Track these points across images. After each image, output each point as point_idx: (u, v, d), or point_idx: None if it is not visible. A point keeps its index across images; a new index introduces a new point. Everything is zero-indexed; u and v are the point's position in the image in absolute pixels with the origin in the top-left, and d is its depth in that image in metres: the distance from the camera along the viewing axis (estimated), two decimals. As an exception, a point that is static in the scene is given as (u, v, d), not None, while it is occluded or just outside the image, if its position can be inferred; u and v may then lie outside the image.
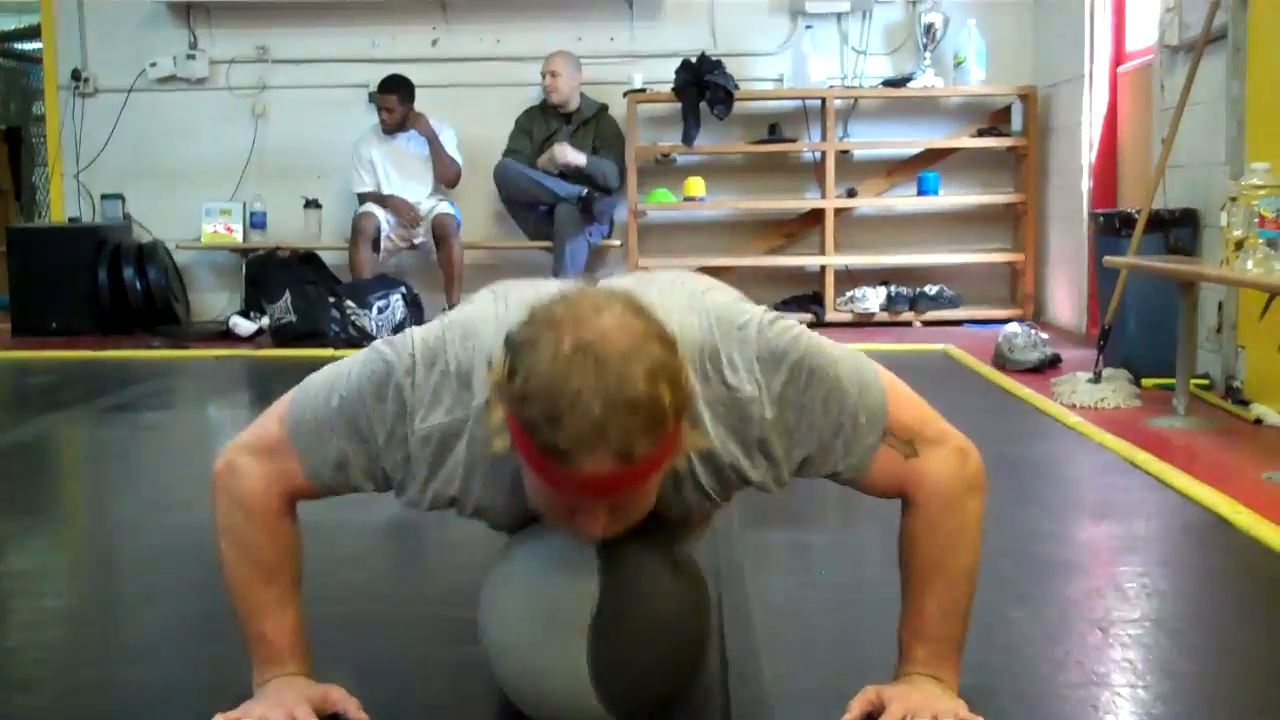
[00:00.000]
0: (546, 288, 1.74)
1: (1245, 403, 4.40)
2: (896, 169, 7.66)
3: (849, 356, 1.77)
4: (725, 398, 1.69)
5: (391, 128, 7.25)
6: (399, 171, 7.27)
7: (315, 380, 1.81)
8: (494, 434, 1.58)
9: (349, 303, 6.60)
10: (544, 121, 7.29)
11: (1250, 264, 3.83)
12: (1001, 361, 5.45)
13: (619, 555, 1.72)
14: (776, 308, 7.66)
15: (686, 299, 1.75)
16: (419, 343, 1.72)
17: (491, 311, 1.74)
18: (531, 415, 1.47)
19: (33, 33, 9.68)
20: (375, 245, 7.11)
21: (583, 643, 1.69)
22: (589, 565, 1.71)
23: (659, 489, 1.63)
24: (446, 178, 7.27)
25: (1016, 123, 7.41)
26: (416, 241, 7.28)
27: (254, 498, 1.79)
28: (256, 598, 1.81)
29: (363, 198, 7.28)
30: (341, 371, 1.78)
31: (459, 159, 7.31)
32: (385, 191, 7.26)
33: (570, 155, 7.10)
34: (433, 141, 7.18)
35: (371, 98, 7.63)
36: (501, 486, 1.72)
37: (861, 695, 1.79)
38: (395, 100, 7.20)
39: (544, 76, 7.19)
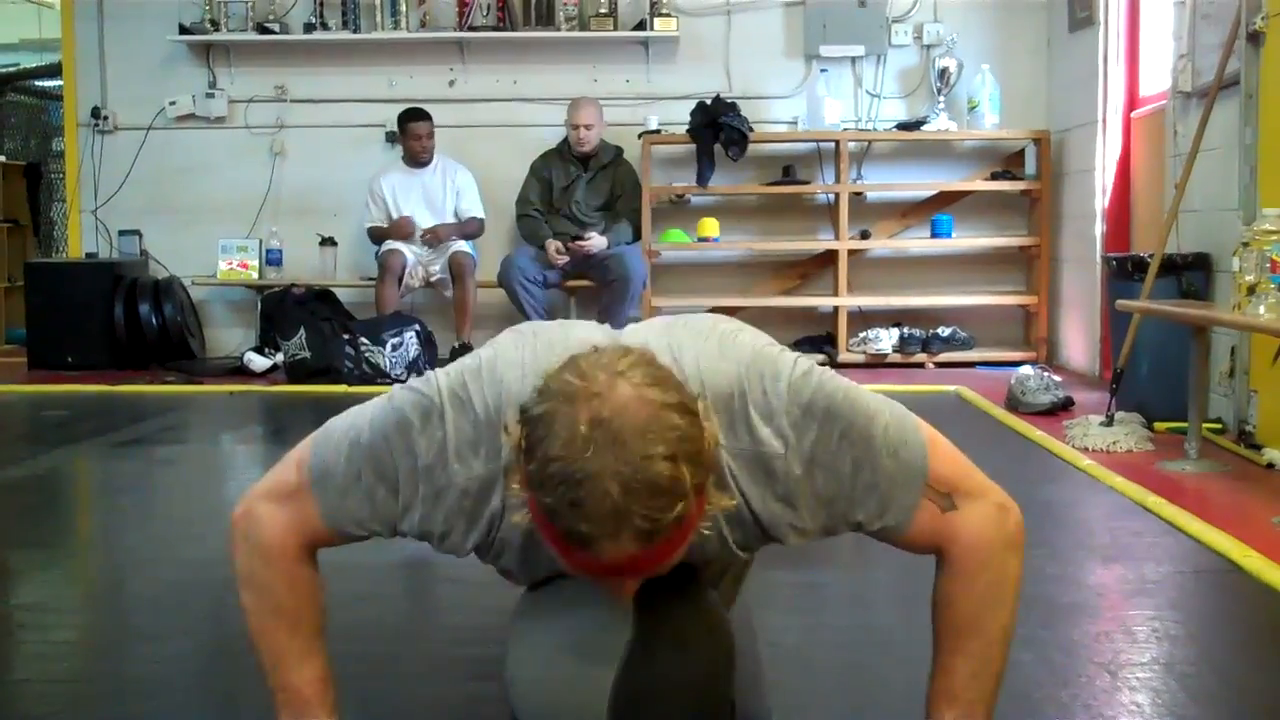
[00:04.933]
0: (574, 334, 1.71)
1: (1258, 447, 4.39)
2: (910, 211, 7.68)
3: (886, 411, 1.70)
4: (752, 451, 1.64)
5: (428, 157, 7.31)
6: (421, 204, 7.30)
7: (337, 425, 1.76)
8: (513, 508, 1.55)
9: (363, 340, 6.62)
10: (562, 167, 7.30)
11: (1262, 309, 3.84)
12: (1014, 404, 5.45)
13: (652, 616, 1.67)
14: (790, 348, 7.62)
15: (717, 344, 1.70)
16: (445, 389, 1.67)
17: (516, 357, 1.69)
18: (550, 501, 1.43)
19: (54, 70, 9.78)
20: (400, 282, 7.16)
21: (604, 695, 1.65)
22: (623, 621, 1.66)
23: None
24: (467, 233, 7.33)
25: (1030, 166, 7.43)
26: (434, 279, 7.32)
27: (272, 546, 1.75)
28: (281, 647, 1.77)
29: (371, 232, 7.33)
30: (365, 417, 1.73)
31: (480, 208, 7.38)
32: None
33: (594, 245, 7.11)
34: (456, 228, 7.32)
35: (389, 136, 7.71)
36: (531, 540, 1.65)
37: None
38: (430, 127, 7.27)
39: (576, 129, 7.19)
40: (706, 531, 1.60)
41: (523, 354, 1.69)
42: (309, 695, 1.77)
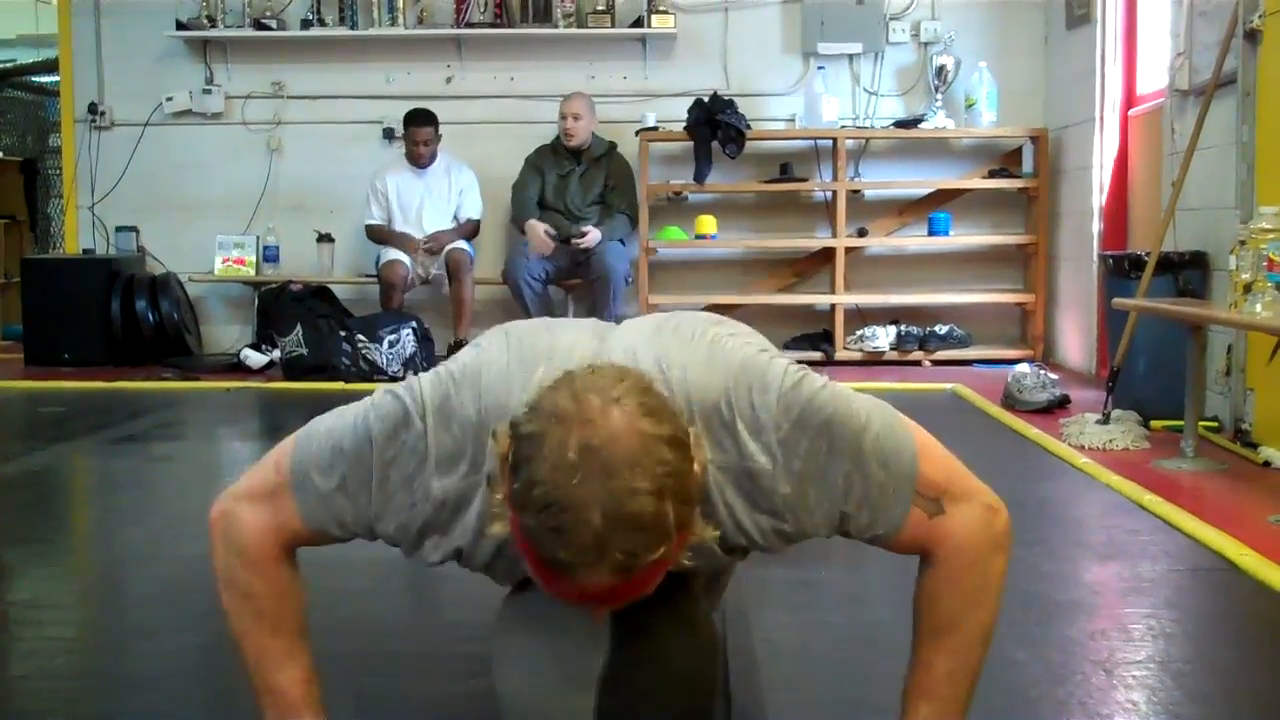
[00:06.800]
0: (561, 339, 1.69)
1: (1254, 445, 4.40)
2: (907, 209, 7.68)
3: (876, 419, 1.67)
4: (739, 467, 1.62)
5: (427, 160, 7.29)
6: (424, 205, 7.29)
7: (319, 428, 1.75)
8: (494, 517, 1.53)
9: (360, 337, 6.62)
10: (555, 161, 7.30)
11: (1259, 307, 3.84)
12: (1010, 402, 5.45)
13: (631, 614, 1.64)
14: (787, 345, 7.61)
15: (706, 352, 1.67)
16: (428, 399, 1.66)
17: (502, 366, 1.67)
18: (532, 525, 1.42)
19: (50, 66, 9.77)
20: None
21: (590, 697, 1.65)
22: (602, 638, 1.66)
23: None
24: (464, 235, 7.33)
25: (1027, 164, 7.43)
26: (430, 276, 7.31)
27: (252, 547, 1.73)
28: (263, 648, 1.76)
29: (371, 231, 7.33)
30: (347, 421, 1.72)
31: (479, 208, 7.40)
32: (398, 226, 7.30)
33: (591, 239, 7.07)
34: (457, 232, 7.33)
35: (387, 133, 7.72)
36: (508, 552, 1.65)
37: None
38: (432, 132, 7.25)
39: (564, 119, 7.20)
40: (687, 563, 1.60)
41: (508, 361, 1.67)
42: (294, 696, 1.76)
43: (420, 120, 7.25)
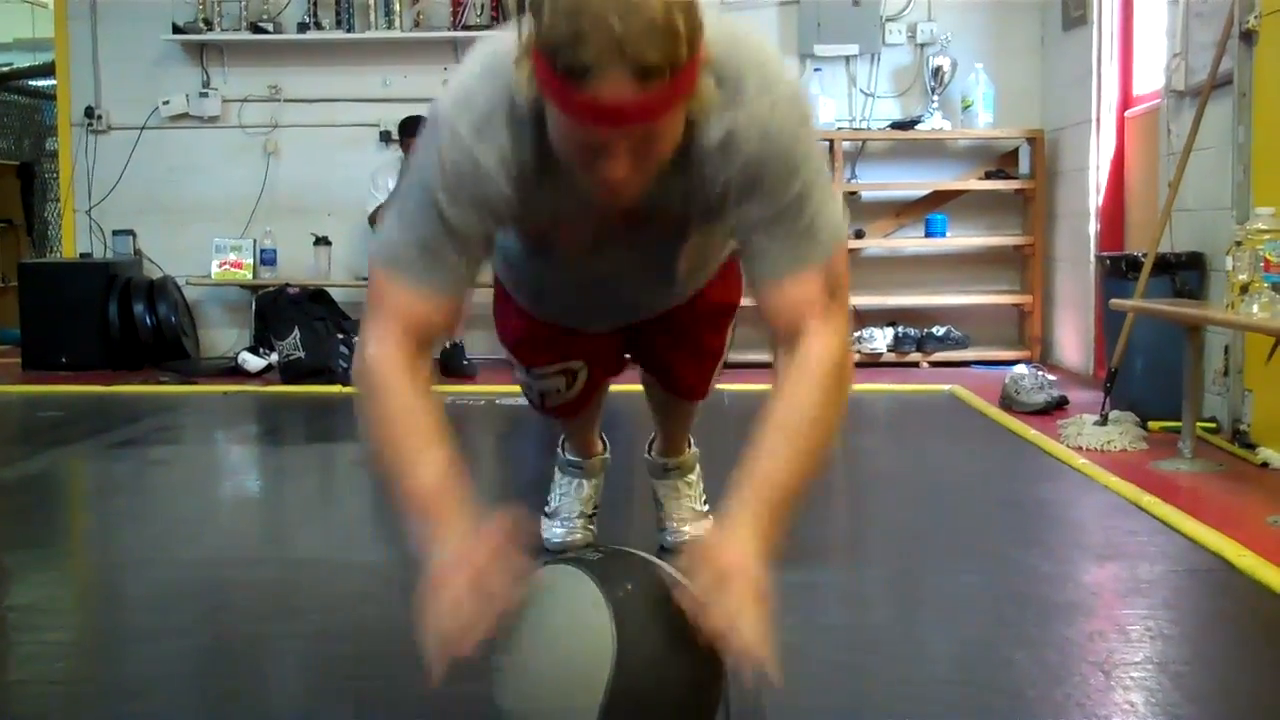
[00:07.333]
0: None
1: (1252, 446, 4.40)
2: (904, 210, 7.69)
3: (834, 193, 1.88)
4: (730, 118, 1.76)
5: None
6: None
7: (382, 227, 1.93)
8: (521, 85, 1.65)
9: (357, 339, 6.61)
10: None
11: (1256, 308, 3.84)
12: (1008, 403, 5.45)
13: (634, 631, 1.68)
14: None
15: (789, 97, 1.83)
16: (446, 126, 1.85)
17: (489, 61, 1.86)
18: (554, 38, 1.54)
19: (47, 70, 9.75)
20: None
21: (594, 711, 1.66)
22: (605, 644, 1.67)
23: (668, 175, 1.74)
24: None
25: (1024, 166, 7.45)
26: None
27: (382, 352, 1.86)
28: (396, 453, 1.77)
29: (375, 215, 7.30)
30: (401, 189, 1.90)
31: None
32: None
33: None
34: None
35: (384, 136, 7.72)
36: (553, 183, 1.83)
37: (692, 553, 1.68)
38: None
39: None
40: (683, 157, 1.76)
41: (493, 61, 1.84)
42: (433, 497, 1.74)
43: (415, 130, 7.17)
